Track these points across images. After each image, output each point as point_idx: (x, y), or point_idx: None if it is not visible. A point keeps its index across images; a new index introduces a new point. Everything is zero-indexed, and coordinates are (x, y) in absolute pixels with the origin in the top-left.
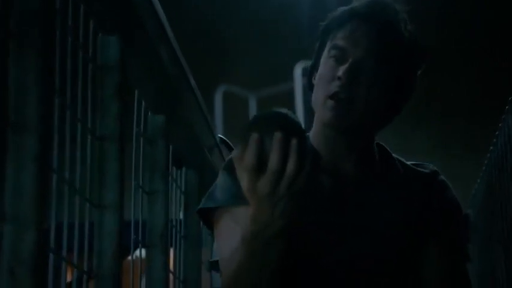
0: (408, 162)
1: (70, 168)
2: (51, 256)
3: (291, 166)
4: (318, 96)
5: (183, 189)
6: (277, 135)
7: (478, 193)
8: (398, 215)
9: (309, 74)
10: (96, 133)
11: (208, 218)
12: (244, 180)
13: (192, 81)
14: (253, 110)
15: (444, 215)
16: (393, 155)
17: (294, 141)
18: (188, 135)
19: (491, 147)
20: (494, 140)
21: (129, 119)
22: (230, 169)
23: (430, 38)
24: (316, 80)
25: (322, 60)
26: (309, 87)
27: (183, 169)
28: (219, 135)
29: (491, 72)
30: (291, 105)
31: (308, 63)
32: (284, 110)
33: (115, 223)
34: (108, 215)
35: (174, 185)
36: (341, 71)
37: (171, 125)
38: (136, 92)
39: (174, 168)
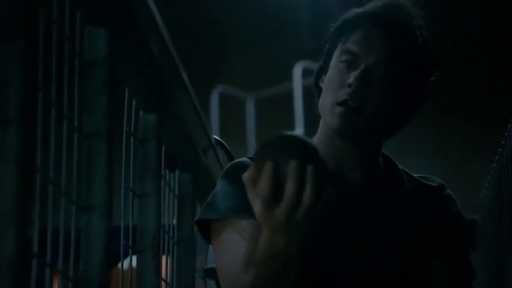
0: (414, 175)
1: (55, 168)
2: (34, 262)
3: (307, 196)
4: (326, 101)
5: (176, 192)
6: (293, 164)
7: (485, 197)
8: (402, 225)
9: (316, 75)
10: (83, 131)
11: (207, 229)
12: (257, 207)
13: (185, 78)
14: (250, 112)
15: (449, 228)
16: (399, 166)
17: (310, 169)
18: (182, 135)
19: (499, 150)
20: (503, 142)
21: (119, 118)
22: (230, 177)
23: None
24: (325, 83)
25: (332, 63)
26: (315, 90)
27: (177, 172)
28: (215, 136)
29: (491, 73)
30: (290, 107)
31: (308, 63)
32: (298, 134)
33: (103, 227)
34: (96, 218)
35: (167, 188)
36: (352, 77)
37: (164, 125)
38: (126, 89)
39: (167, 171)
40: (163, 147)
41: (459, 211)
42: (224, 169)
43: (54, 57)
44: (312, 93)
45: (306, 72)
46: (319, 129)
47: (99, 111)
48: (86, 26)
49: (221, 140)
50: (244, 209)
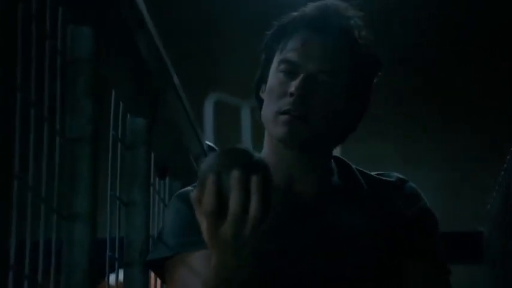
0: (372, 173)
1: (35, 174)
2: (11, 274)
3: (253, 208)
4: (268, 112)
5: (166, 202)
6: (236, 174)
7: (492, 208)
8: (365, 226)
9: (256, 86)
10: (66, 134)
11: (160, 268)
12: (203, 225)
13: (176, 80)
14: (246, 120)
15: (416, 223)
16: (353, 166)
17: (255, 179)
18: (172, 141)
19: (508, 157)
20: None
21: (106, 122)
22: (175, 208)
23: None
24: (266, 94)
25: (271, 73)
26: (257, 102)
27: (167, 180)
28: (207, 142)
29: (491, 73)
30: None
31: None
32: (242, 146)
33: (86, 236)
34: (79, 228)
35: (157, 197)
36: (293, 86)
37: (153, 129)
38: (113, 91)
39: (157, 179)
40: (152, 154)
41: (425, 203)
42: (171, 199)
43: (35, 55)
44: None
45: None
46: (265, 142)
47: (83, 113)
48: (69, 23)
49: (214, 146)
50: (195, 241)
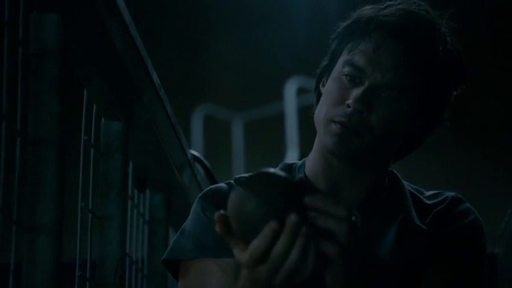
0: (428, 192)
1: None
2: None
3: (295, 256)
4: (322, 116)
5: (146, 217)
6: (292, 218)
7: (508, 227)
8: (390, 250)
9: (318, 77)
10: (28, 135)
11: (175, 266)
12: (236, 253)
13: (156, 79)
14: (238, 136)
15: (459, 238)
16: (405, 184)
17: (304, 230)
18: (152, 148)
19: None
20: None
21: (76, 125)
22: (202, 207)
23: None
24: (324, 92)
25: (335, 72)
26: (315, 95)
27: (147, 192)
28: (192, 151)
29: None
30: (282, 130)
31: (302, 79)
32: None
33: (51, 252)
34: (42, 241)
35: (135, 211)
36: (352, 96)
37: (130, 135)
38: (85, 91)
39: (135, 191)
40: (130, 163)
41: (479, 226)
42: (198, 197)
43: None
44: (308, 114)
45: (300, 91)
46: (314, 145)
47: (48, 112)
48: (32, 10)
49: (199, 156)
50: (215, 246)
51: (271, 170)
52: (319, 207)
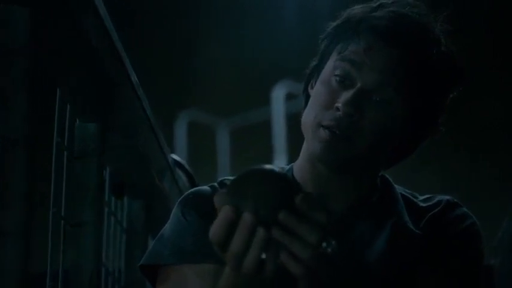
0: (422, 196)
1: None
2: None
3: (251, 256)
4: (309, 120)
5: (124, 225)
6: (244, 217)
7: (505, 237)
8: (383, 255)
9: (307, 78)
10: None
11: (154, 273)
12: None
13: (134, 77)
14: (224, 143)
15: (455, 243)
16: (398, 188)
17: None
18: (131, 152)
19: None
20: None
21: (49, 126)
22: (183, 210)
23: None
24: (313, 95)
25: (324, 73)
26: (304, 97)
27: (125, 199)
28: (173, 156)
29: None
30: (269, 137)
31: (291, 84)
32: (273, 173)
33: (17, 259)
34: (8, 248)
35: (113, 218)
36: (342, 100)
37: (107, 137)
38: (58, 90)
39: (113, 197)
40: (107, 167)
41: (475, 230)
42: (179, 200)
43: None
44: (297, 121)
45: (289, 97)
46: (302, 150)
47: (15, 111)
48: None
49: (181, 161)
50: (195, 252)
51: (268, 166)
52: (301, 211)
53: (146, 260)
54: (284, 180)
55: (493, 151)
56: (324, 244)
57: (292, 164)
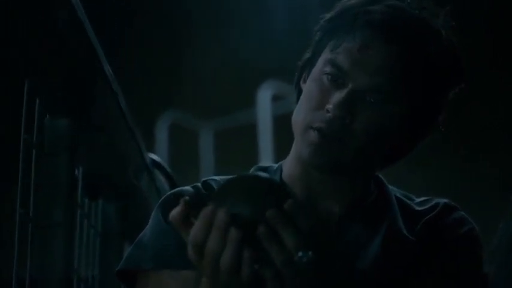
0: (418, 199)
1: None
2: None
3: (225, 257)
4: (300, 120)
5: (98, 228)
6: (218, 217)
7: (503, 240)
8: (378, 258)
9: (299, 73)
10: None
11: (131, 280)
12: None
13: (108, 69)
14: (207, 146)
15: (454, 249)
16: (392, 190)
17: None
18: (105, 151)
19: None
20: None
21: (16, 122)
22: (164, 212)
23: None
24: (303, 93)
25: (316, 70)
26: (295, 92)
27: (100, 201)
28: (151, 155)
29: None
30: (255, 140)
31: (277, 85)
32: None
33: None
34: None
35: (86, 221)
36: (333, 101)
37: (79, 134)
38: (26, 83)
39: (86, 199)
40: (80, 167)
41: (473, 235)
42: (159, 201)
43: None
44: (284, 123)
45: (275, 98)
46: (292, 149)
47: None
48: None
49: (159, 160)
50: (175, 256)
51: (254, 173)
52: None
53: (124, 265)
54: (268, 184)
55: (493, 151)
56: (300, 253)
57: (282, 162)
